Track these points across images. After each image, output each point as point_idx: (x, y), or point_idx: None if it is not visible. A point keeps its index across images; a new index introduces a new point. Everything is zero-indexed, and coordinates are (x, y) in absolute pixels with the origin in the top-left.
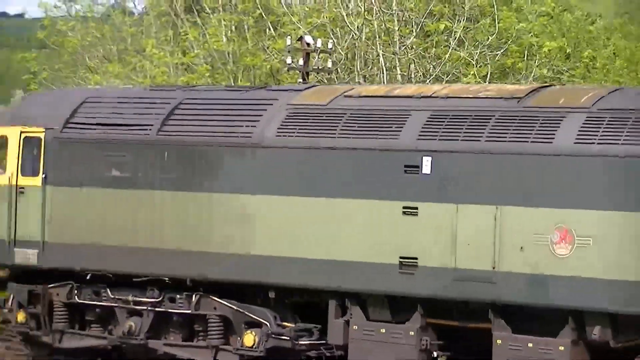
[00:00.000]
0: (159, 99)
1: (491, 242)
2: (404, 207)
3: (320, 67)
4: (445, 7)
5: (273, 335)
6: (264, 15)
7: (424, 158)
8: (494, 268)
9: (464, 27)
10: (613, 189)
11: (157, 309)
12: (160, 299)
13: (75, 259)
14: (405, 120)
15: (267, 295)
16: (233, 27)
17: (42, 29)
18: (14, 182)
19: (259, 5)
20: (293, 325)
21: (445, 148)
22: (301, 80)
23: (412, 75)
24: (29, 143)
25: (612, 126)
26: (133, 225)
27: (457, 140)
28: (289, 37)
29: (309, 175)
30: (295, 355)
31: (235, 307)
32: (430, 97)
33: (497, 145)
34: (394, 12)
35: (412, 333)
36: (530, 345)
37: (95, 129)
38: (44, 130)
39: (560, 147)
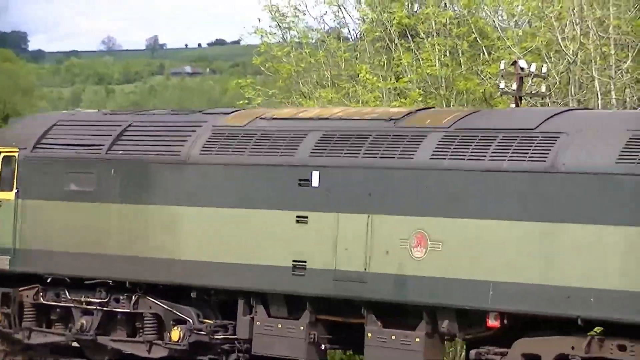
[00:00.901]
0: (113, 121)
1: (363, 246)
2: (297, 216)
3: (533, 92)
4: None
5: (195, 331)
6: (478, 40)
7: (313, 172)
8: (365, 269)
9: None
10: (460, 199)
11: (104, 309)
12: (107, 299)
13: (39, 264)
14: (302, 140)
15: (199, 294)
16: (447, 52)
17: (258, 55)
18: None
19: (473, 30)
20: (211, 322)
21: (330, 164)
22: (514, 105)
23: (627, 99)
24: (6, 161)
25: (461, 144)
26: (85, 234)
27: (340, 156)
28: (503, 61)
29: (225, 188)
30: (213, 348)
31: (165, 306)
32: (326, 119)
33: (370, 161)
34: (610, 35)
35: (302, 328)
36: (393, 337)
37: (58, 148)
38: (17, 150)
39: (418, 162)
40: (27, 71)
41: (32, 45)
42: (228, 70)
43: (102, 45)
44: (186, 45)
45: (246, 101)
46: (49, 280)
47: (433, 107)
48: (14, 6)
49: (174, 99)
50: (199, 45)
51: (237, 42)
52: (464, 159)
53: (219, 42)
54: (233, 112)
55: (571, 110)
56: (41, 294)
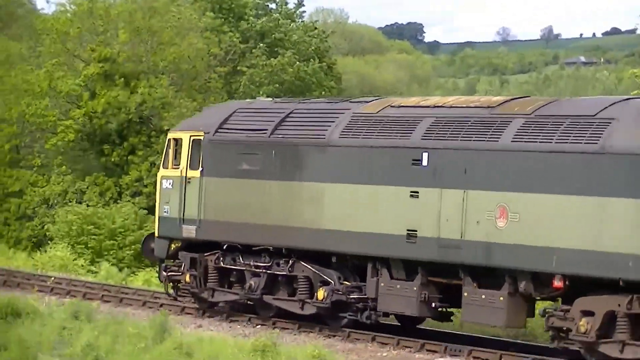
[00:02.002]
0: (279, 109)
1: (460, 217)
2: (410, 192)
3: None
4: None
5: (335, 291)
6: None
7: (423, 153)
8: (461, 237)
9: None
10: (533, 176)
11: (268, 272)
12: (270, 263)
13: (218, 233)
14: (417, 125)
15: (339, 259)
16: None
17: None
18: (184, 174)
19: None
20: (348, 284)
21: (436, 146)
22: None
23: None
24: (195, 144)
25: (537, 128)
26: (253, 207)
27: (444, 139)
28: None
29: (357, 167)
30: (350, 306)
31: (314, 270)
32: (439, 106)
33: (466, 144)
34: None
35: (415, 288)
36: (483, 296)
37: (234, 133)
38: (203, 134)
39: (502, 144)
40: (422, 62)
41: (428, 37)
42: (623, 60)
43: (497, 36)
44: (581, 35)
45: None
46: (224, 247)
47: (529, 97)
48: None
49: (568, 89)
50: (594, 34)
51: (633, 31)
52: (536, 142)
53: (614, 32)
54: (373, 100)
55: (630, 99)
56: (221, 258)
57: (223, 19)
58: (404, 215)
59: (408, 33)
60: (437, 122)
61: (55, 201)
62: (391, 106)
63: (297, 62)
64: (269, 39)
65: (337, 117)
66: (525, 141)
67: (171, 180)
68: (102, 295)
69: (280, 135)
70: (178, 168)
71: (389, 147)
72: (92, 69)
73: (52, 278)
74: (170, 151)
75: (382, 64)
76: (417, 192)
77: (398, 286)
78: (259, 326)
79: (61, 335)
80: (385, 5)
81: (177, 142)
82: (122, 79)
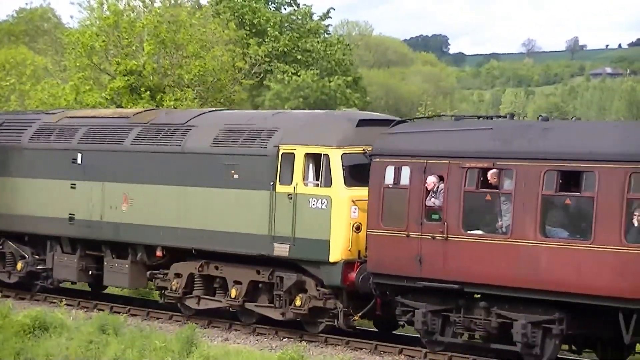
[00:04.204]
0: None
1: (101, 203)
2: (71, 184)
3: None
4: None
5: (28, 264)
6: None
7: (78, 154)
8: (101, 219)
9: None
10: (141, 171)
11: None
12: None
13: None
14: (77, 132)
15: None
16: None
17: None
18: None
19: None
20: (36, 257)
21: (87, 148)
22: None
23: None
24: None
25: (149, 134)
26: None
27: (92, 143)
28: None
29: (37, 165)
30: (39, 275)
31: (15, 247)
32: (94, 117)
33: (106, 146)
34: None
35: (75, 260)
36: (116, 265)
37: None
38: None
39: (125, 146)
40: (447, 74)
41: (453, 49)
42: None
43: (522, 47)
44: (607, 46)
45: None
46: None
47: (159, 109)
48: (437, 11)
49: (594, 100)
50: (619, 46)
51: None
52: (145, 144)
53: None
54: (58, 112)
55: (213, 111)
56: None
57: (246, 33)
58: (67, 203)
59: (433, 45)
60: (90, 129)
61: None
62: (67, 117)
63: (319, 78)
64: (291, 57)
65: (30, 125)
66: (139, 144)
67: None
68: (129, 309)
69: None
70: None
71: (58, 150)
72: (118, 82)
73: None
74: None
75: (408, 76)
76: (75, 184)
77: (65, 258)
78: (286, 339)
79: (88, 349)
80: (410, 17)
81: None
82: (148, 92)
